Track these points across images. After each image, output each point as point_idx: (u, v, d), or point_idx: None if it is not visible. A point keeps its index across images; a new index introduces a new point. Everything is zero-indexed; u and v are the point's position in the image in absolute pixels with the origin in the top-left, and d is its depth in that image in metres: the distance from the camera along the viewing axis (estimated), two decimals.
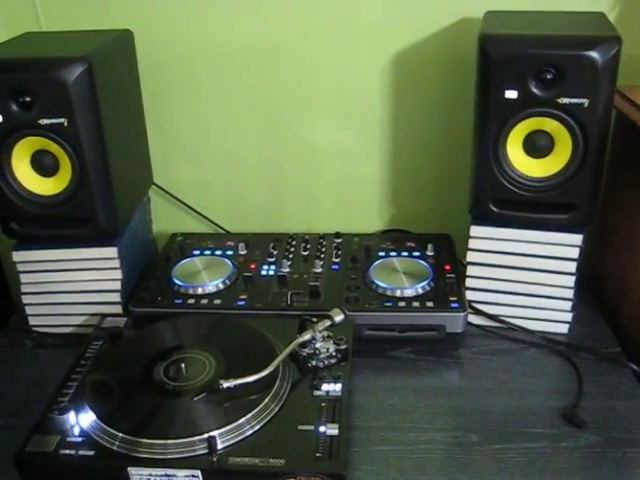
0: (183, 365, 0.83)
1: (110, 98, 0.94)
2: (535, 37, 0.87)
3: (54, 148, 0.91)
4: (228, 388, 0.78)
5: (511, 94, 0.87)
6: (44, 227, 0.96)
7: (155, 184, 1.18)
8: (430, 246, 1.08)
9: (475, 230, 0.97)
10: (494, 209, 0.94)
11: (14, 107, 0.88)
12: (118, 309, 1.01)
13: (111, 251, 0.98)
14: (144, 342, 0.90)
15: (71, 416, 0.77)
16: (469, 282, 1.01)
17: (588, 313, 1.04)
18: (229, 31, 1.12)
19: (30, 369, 0.99)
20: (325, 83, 1.15)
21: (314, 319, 0.88)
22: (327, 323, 0.87)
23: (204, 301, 0.99)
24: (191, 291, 1.01)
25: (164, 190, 1.20)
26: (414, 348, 0.98)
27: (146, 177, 1.14)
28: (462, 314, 0.95)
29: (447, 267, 1.05)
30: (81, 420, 0.77)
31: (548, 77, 0.85)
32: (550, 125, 0.88)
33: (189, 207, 1.23)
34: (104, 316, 0.97)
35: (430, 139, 1.18)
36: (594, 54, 0.83)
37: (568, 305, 0.98)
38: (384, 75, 1.14)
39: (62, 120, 0.88)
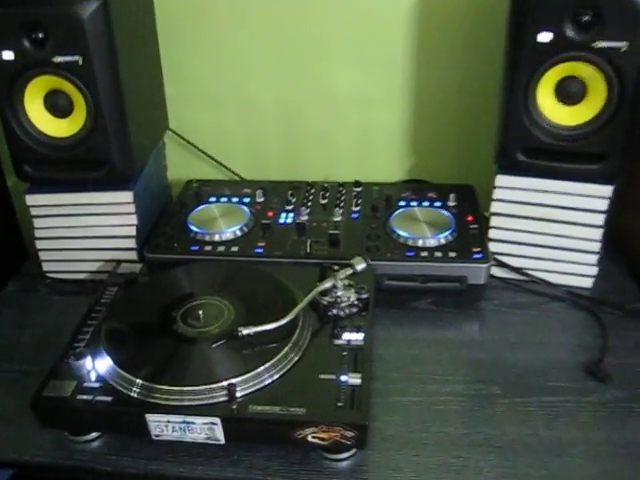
0: (201, 311, 0.81)
1: (126, 37, 0.90)
2: None
3: (68, 88, 0.88)
4: (247, 335, 0.76)
5: (545, 37, 0.83)
6: (58, 170, 0.94)
7: (170, 129, 1.15)
8: (452, 196, 1.06)
9: (501, 180, 0.94)
10: (522, 158, 0.91)
11: (26, 44, 0.84)
12: (133, 255, 1.00)
13: (126, 195, 0.96)
14: (160, 288, 0.89)
15: (87, 361, 0.75)
16: (492, 233, 0.98)
17: (612, 268, 1.02)
18: None
19: (45, 315, 0.98)
20: (346, 25, 1.11)
21: (335, 267, 0.85)
22: (349, 271, 0.85)
23: (221, 248, 0.97)
24: (207, 238, 0.99)
25: (179, 135, 1.17)
26: (435, 299, 0.96)
27: (162, 121, 1.11)
28: (485, 265, 0.93)
29: (469, 218, 1.02)
30: (98, 366, 0.76)
31: (585, 19, 0.81)
32: (584, 71, 0.85)
33: (204, 153, 1.20)
34: (119, 262, 0.95)
35: (454, 85, 1.14)
36: None
37: (594, 259, 0.95)
38: (408, 17, 1.09)
39: (77, 58, 0.85)
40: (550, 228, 0.95)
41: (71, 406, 0.72)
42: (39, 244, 1.00)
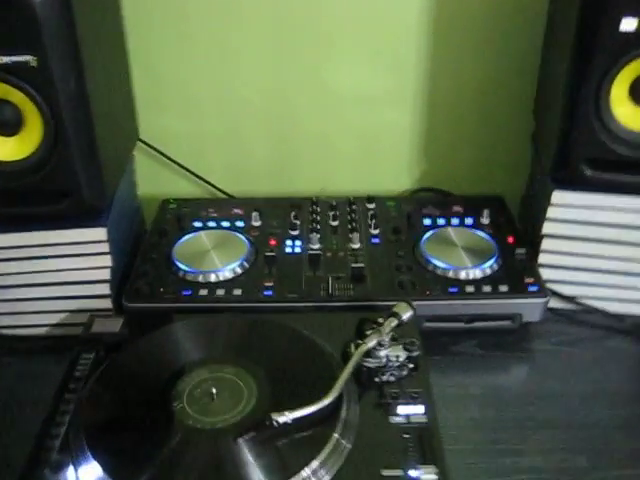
0: (214, 390, 0.63)
1: (90, 30, 0.70)
2: None
3: (16, 97, 0.67)
4: (284, 424, 0.58)
5: (629, 24, 0.67)
6: (5, 203, 0.73)
7: (140, 139, 0.94)
8: (485, 212, 0.90)
9: (559, 196, 0.79)
10: (588, 171, 0.75)
11: None
12: (107, 304, 0.79)
13: (98, 232, 0.75)
14: (152, 356, 0.69)
15: (69, 474, 0.56)
16: (543, 258, 0.83)
17: None
18: None
19: None
20: (350, 15, 0.93)
21: (380, 319, 0.68)
22: (394, 322, 0.68)
23: (220, 292, 0.78)
24: (201, 278, 0.80)
25: (151, 146, 0.97)
26: (480, 340, 0.81)
27: (132, 131, 0.90)
28: (543, 300, 0.78)
29: (510, 239, 0.86)
30: (83, 476, 0.56)
31: None
32: None
33: (180, 165, 1.00)
34: (93, 315, 0.74)
35: (471, 83, 0.97)
36: None
37: None
38: (420, 6, 0.92)
39: (28, 58, 0.64)
40: (611, 250, 0.80)
41: None
42: None
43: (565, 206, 0.79)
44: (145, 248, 0.86)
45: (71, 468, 0.56)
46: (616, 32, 0.67)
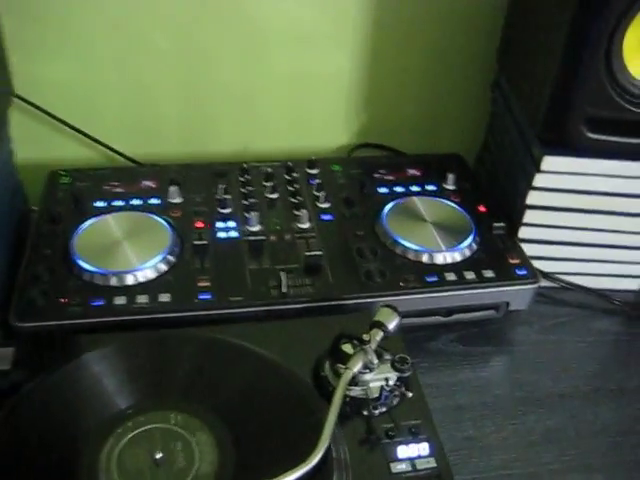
0: (158, 455, 0.46)
1: None
2: None
3: None
4: None
5: None
6: None
7: (16, 95, 0.72)
8: (450, 177, 0.76)
9: (550, 162, 0.66)
10: (587, 132, 0.63)
11: None
12: None
13: None
14: (62, 406, 0.50)
15: None
16: (524, 232, 0.71)
17: None
18: None
19: None
20: None
21: (365, 336, 0.53)
22: (379, 336, 0.53)
23: (142, 298, 0.60)
24: (114, 281, 0.61)
25: (29, 102, 0.74)
26: (459, 334, 0.68)
27: (4, 84, 0.68)
28: (532, 286, 0.66)
29: (482, 209, 0.74)
30: None
31: None
32: None
33: (69, 126, 0.78)
34: None
35: (424, 25, 0.82)
36: None
37: None
38: None
39: None
40: (607, 223, 0.69)
41: None
42: None
43: (555, 173, 0.67)
44: (34, 242, 0.65)
45: None
46: None
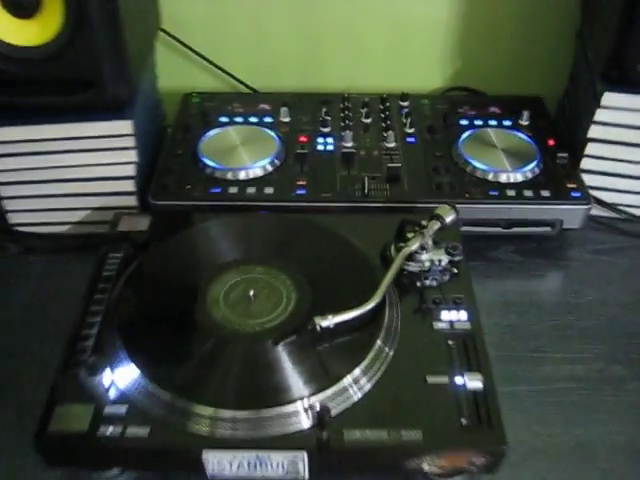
0: (251, 292, 0.61)
1: None
2: None
3: None
4: (325, 328, 0.57)
5: None
6: (24, 92, 0.68)
7: (162, 29, 0.88)
8: (525, 114, 0.85)
9: (610, 98, 0.74)
10: None
11: None
12: (132, 201, 0.76)
13: (124, 125, 0.71)
14: (185, 256, 0.66)
15: (106, 375, 0.54)
16: (586, 163, 0.79)
17: None
18: None
19: (20, 283, 0.75)
20: None
21: (423, 222, 0.65)
22: (436, 225, 0.65)
23: (251, 190, 0.75)
24: (230, 175, 0.76)
25: (173, 37, 0.90)
26: (517, 247, 0.78)
27: (154, 18, 0.84)
28: (585, 207, 0.75)
29: (551, 142, 0.82)
30: (119, 379, 0.55)
31: None
32: None
33: (204, 58, 0.94)
34: (119, 213, 0.71)
35: None
36: None
37: None
38: None
39: None
40: None
41: (93, 445, 0.52)
42: (3, 190, 0.75)
43: (615, 109, 0.74)
44: (169, 144, 0.82)
45: (107, 370, 0.54)
46: None
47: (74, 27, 0.63)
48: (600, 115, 0.75)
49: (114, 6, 0.64)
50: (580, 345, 0.68)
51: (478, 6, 0.93)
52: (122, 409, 0.53)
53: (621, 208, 0.80)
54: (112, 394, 0.54)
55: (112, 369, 0.55)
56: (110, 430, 0.52)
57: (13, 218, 0.78)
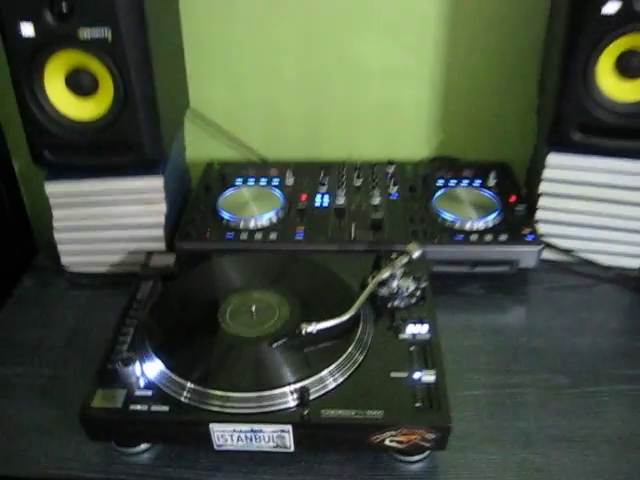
0: (253, 308, 0.76)
1: (154, 8, 0.82)
2: None
3: (94, 65, 0.80)
4: (309, 333, 0.71)
5: (610, 8, 0.78)
6: (80, 155, 0.86)
7: (190, 108, 1.07)
8: (492, 175, 1.01)
9: (553, 159, 0.90)
10: (578, 136, 0.86)
11: (49, 17, 0.76)
12: (161, 245, 0.93)
13: (156, 181, 0.89)
14: (202, 282, 0.83)
15: (136, 367, 0.69)
16: (540, 214, 0.94)
17: None
18: None
19: (67, 312, 0.91)
20: None
21: (393, 255, 0.80)
22: (405, 259, 0.80)
23: (258, 235, 0.91)
24: (242, 224, 0.93)
25: (199, 114, 1.10)
26: (483, 284, 0.92)
27: (185, 99, 1.04)
28: (537, 248, 0.89)
29: (513, 198, 0.98)
30: (147, 371, 0.70)
31: None
32: None
33: (224, 132, 1.13)
34: (150, 253, 0.88)
35: (488, 58, 1.08)
36: None
37: None
38: None
39: (105, 32, 0.77)
40: (601, 208, 0.91)
41: (125, 418, 0.66)
42: (58, 236, 0.93)
43: (559, 167, 0.90)
44: (193, 200, 0.99)
45: (137, 364, 0.69)
46: (599, 15, 0.78)
47: (121, 104, 0.82)
48: (547, 173, 0.91)
49: (152, 90, 0.82)
50: (529, 360, 0.81)
51: (455, 89, 1.11)
52: (148, 392, 0.68)
53: (572, 253, 0.95)
54: (141, 382, 0.69)
55: (141, 363, 0.70)
56: (138, 407, 0.67)
57: (64, 259, 0.95)
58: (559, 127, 0.87)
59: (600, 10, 0.78)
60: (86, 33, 0.77)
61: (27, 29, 0.76)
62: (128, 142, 0.85)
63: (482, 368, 0.80)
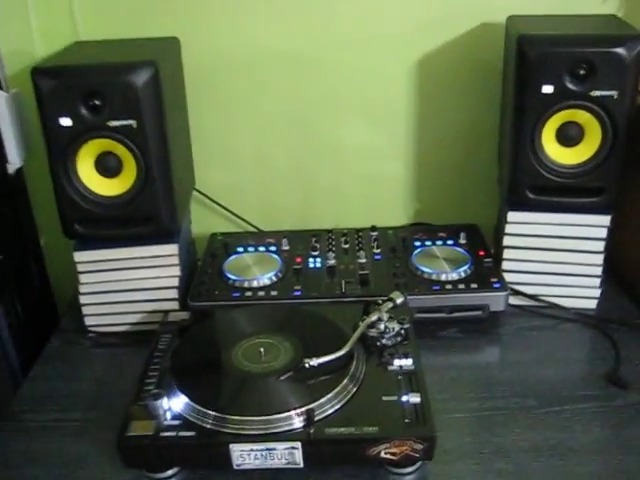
0: (261, 349, 0.88)
1: (170, 101, 0.98)
2: (568, 37, 0.96)
3: (120, 150, 0.95)
4: (312, 367, 0.83)
5: (547, 89, 0.95)
6: (106, 227, 1.00)
7: (195, 189, 1.23)
8: (462, 235, 1.16)
9: (512, 216, 1.05)
10: (530, 195, 1.02)
11: (84, 111, 0.92)
12: (175, 305, 1.05)
13: (172, 248, 1.03)
14: (214, 331, 0.95)
15: (164, 401, 0.80)
16: (506, 265, 1.08)
17: (611, 290, 1.13)
18: (260, 40, 1.18)
19: (92, 367, 1.02)
20: (352, 87, 1.22)
21: (379, 301, 0.94)
22: (390, 304, 0.93)
23: (261, 293, 1.04)
24: (246, 284, 1.06)
25: (203, 194, 1.25)
26: (460, 327, 1.05)
27: (192, 179, 1.19)
28: (504, 293, 1.03)
29: (481, 253, 1.12)
30: (173, 405, 0.81)
31: (581, 72, 0.94)
32: (582, 117, 0.97)
33: (225, 209, 1.27)
34: (167, 312, 1.00)
35: (452, 136, 1.25)
36: (622, 50, 0.92)
37: (597, 282, 1.07)
38: (409, 78, 1.21)
39: (131, 122, 0.92)
40: (557, 257, 1.06)
41: (157, 443, 0.77)
42: (83, 299, 1.05)
43: (517, 223, 1.06)
44: (202, 266, 1.13)
45: (165, 399, 0.80)
46: (539, 94, 0.95)
47: (142, 183, 0.96)
48: (509, 228, 1.06)
49: (168, 170, 0.97)
50: (502, 388, 0.93)
51: (427, 165, 1.27)
52: (175, 422, 0.79)
53: (537, 297, 1.08)
54: (168, 415, 0.80)
55: (169, 398, 0.81)
56: (168, 434, 0.78)
57: (87, 320, 1.07)
58: (515, 189, 1.03)
59: (540, 90, 0.95)
60: (115, 123, 0.92)
61: (65, 121, 0.92)
62: (148, 215, 0.99)
63: (462, 396, 0.92)
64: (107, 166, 0.97)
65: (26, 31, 1.14)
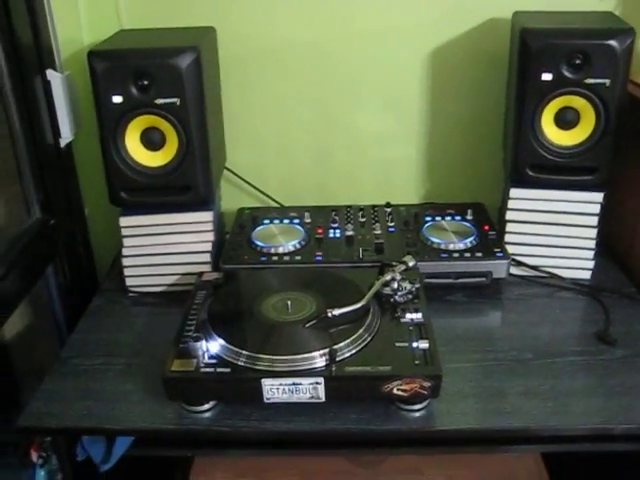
0: (289, 302, 0.99)
1: (207, 83, 1.10)
2: (566, 30, 1.07)
3: (164, 125, 1.06)
4: (334, 316, 0.94)
5: (547, 77, 1.06)
6: (149, 195, 1.11)
7: (226, 167, 1.34)
8: (469, 211, 1.27)
9: (514, 192, 1.16)
10: (531, 173, 1.13)
11: (133, 89, 1.03)
12: (208, 268, 1.17)
13: (207, 215, 1.14)
14: (246, 288, 1.07)
15: (203, 343, 0.92)
16: (508, 237, 1.19)
17: (605, 264, 1.23)
18: (285, 32, 1.30)
19: (133, 321, 1.14)
20: (369, 76, 1.33)
21: (393, 263, 1.05)
22: (403, 267, 1.04)
23: (286, 258, 1.15)
24: (272, 250, 1.17)
25: (231, 171, 1.36)
26: (465, 293, 1.16)
27: (224, 156, 1.30)
28: (506, 261, 1.14)
29: (486, 227, 1.23)
30: (210, 347, 0.92)
31: (577, 62, 1.05)
32: (577, 102, 1.08)
33: (252, 185, 1.39)
34: (201, 273, 1.12)
35: (462, 122, 1.36)
36: (614, 42, 1.03)
37: (591, 254, 1.17)
38: (422, 69, 1.32)
39: (175, 100, 1.04)
40: (555, 230, 1.17)
41: (197, 378, 0.89)
42: (125, 261, 1.17)
43: (519, 199, 1.16)
44: (231, 235, 1.24)
45: (203, 341, 0.92)
46: (539, 81, 1.06)
47: (183, 155, 1.08)
48: (511, 204, 1.17)
49: (206, 144, 1.09)
50: (502, 343, 1.04)
51: (437, 148, 1.38)
52: (213, 361, 0.90)
53: (536, 267, 1.19)
54: (206, 356, 0.91)
55: (207, 341, 0.92)
56: (207, 370, 0.89)
57: (128, 281, 1.18)
58: (517, 168, 1.13)
59: (540, 78, 1.06)
60: (161, 101, 1.03)
61: (117, 98, 1.03)
62: (187, 184, 1.10)
63: (466, 350, 1.03)
64: (152, 140, 1.08)
65: (75, 21, 1.26)
